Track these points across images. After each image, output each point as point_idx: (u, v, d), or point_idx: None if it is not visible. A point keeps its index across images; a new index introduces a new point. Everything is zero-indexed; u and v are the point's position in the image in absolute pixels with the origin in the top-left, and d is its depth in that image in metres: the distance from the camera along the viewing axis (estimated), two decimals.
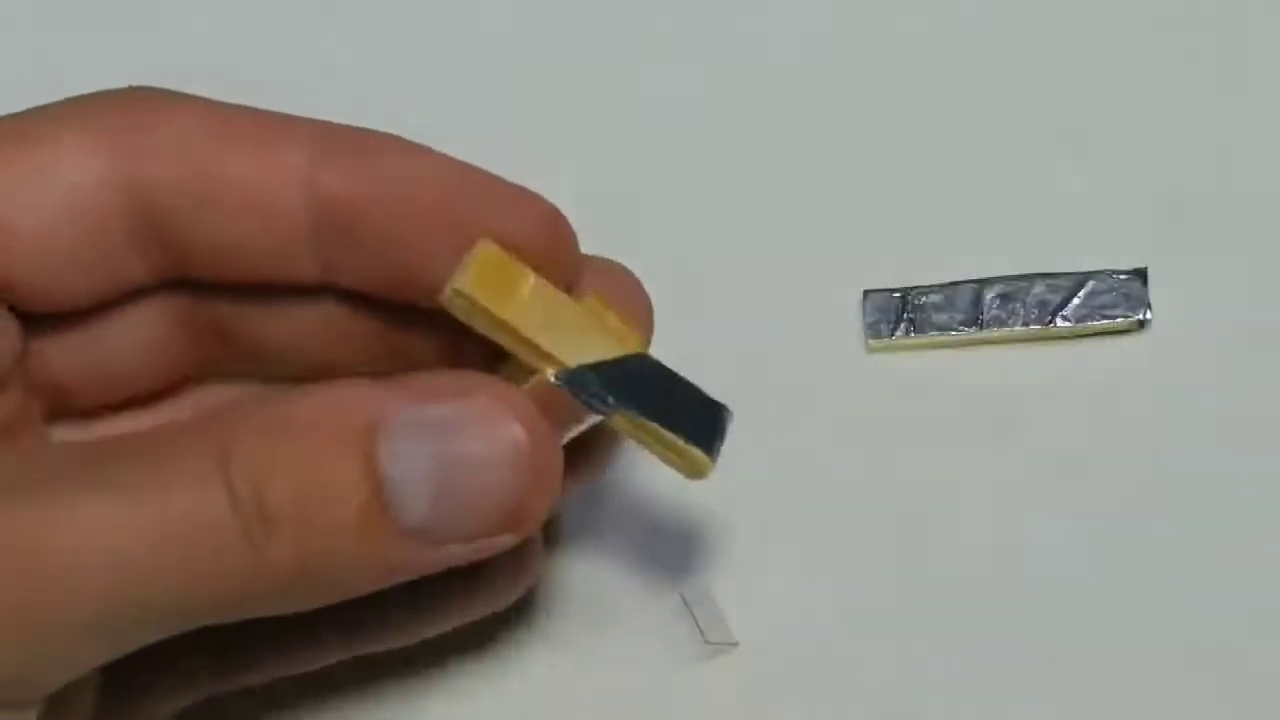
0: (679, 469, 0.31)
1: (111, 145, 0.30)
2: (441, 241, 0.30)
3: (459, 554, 0.29)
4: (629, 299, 0.32)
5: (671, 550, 0.37)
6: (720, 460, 0.31)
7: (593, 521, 0.38)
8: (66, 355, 0.32)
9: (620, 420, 0.30)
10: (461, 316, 0.30)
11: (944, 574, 0.37)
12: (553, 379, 0.30)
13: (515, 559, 0.33)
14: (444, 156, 0.31)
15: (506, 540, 0.29)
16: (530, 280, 0.30)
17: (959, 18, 0.42)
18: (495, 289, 0.30)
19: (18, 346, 0.31)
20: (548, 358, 0.30)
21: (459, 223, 0.30)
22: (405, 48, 0.42)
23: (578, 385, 0.30)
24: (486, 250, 0.30)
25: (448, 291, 0.30)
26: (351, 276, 0.31)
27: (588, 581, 0.37)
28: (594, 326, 0.31)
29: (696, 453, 0.31)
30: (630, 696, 0.36)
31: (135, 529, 0.27)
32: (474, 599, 0.34)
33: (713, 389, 0.32)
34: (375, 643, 0.34)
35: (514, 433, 0.29)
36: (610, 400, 0.30)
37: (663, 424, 0.30)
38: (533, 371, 0.30)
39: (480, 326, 0.30)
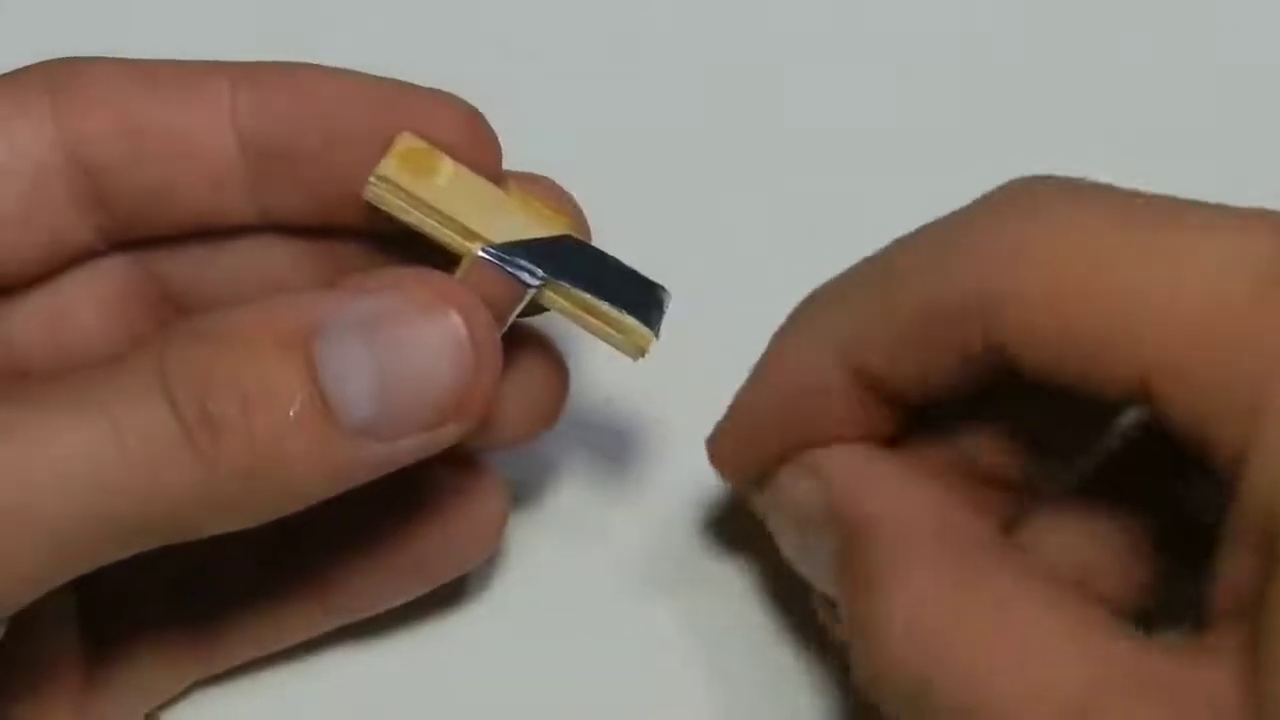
0: (620, 347, 0.31)
1: (39, 106, 0.31)
2: (371, 156, 0.31)
3: (407, 449, 0.29)
4: (553, 193, 0.32)
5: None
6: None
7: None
8: (22, 332, 0.32)
9: (554, 296, 0.31)
10: (384, 206, 0.30)
11: None
12: (481, 254, 0.30)
13: (480, 511, 0.34)
14: (361, 74, 0.31)
15: (453, 431, 0.29)
16: (450, 166, 0.31)
17: (965, 23, 0.42)
18: (416, 174, 0.30)
19: None
20: (475, 236, 0.30)
21: (384, 135, 0.31)
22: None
23: (508, 258, 0.30)
24: (406, 142, 0.31)
25: (370, 181, 0.30)
26: (288, 209, 0.32)
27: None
28: (520, 210, 0.31)
29: (636, 325, 0.31)
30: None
31: (78, 442, 0.27)
32: (447, 548, 0.34)
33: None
34: (349, 606, 0.34)
35: (449, 319, 0.29)
36: (542, 272, 0.30)
37: (599, 298, 0.31)
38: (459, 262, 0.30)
39: (404, 215, 0.30)
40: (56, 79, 0.31)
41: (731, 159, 0.41)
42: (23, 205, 0.31)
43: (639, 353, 0.31)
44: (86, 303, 0.32)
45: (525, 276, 0.30)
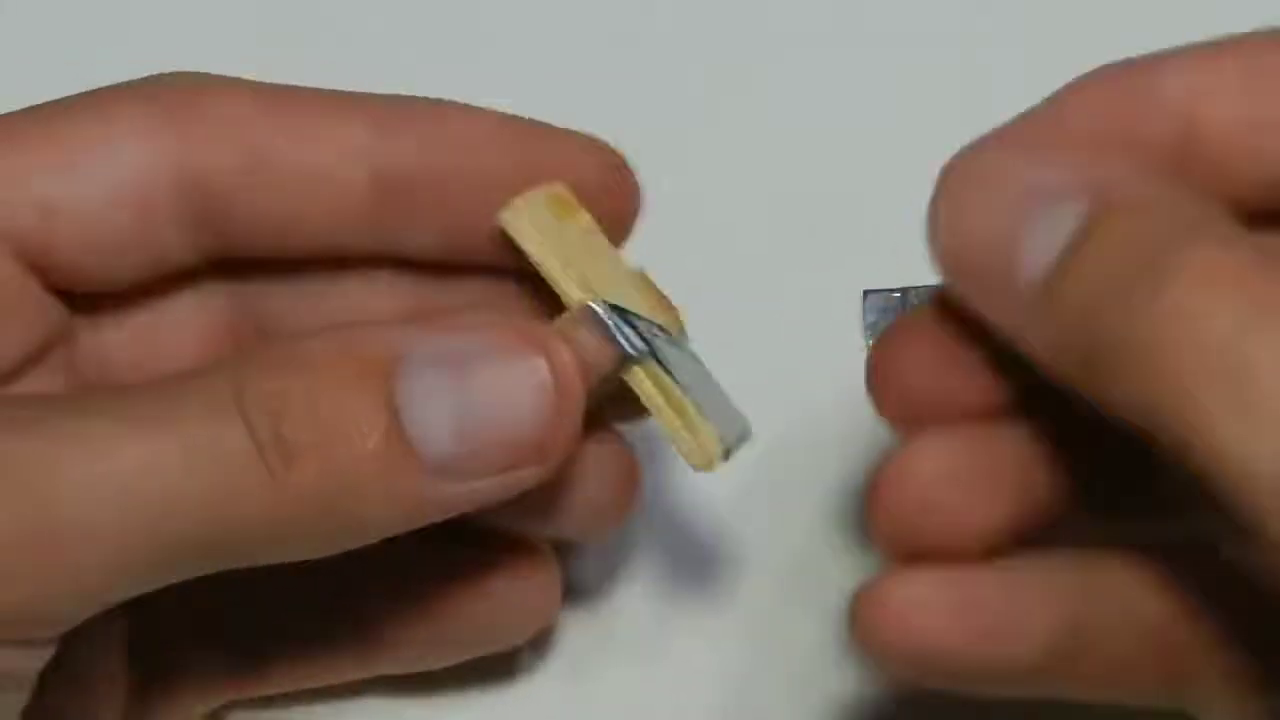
0: (687, 451, 0.30)
1: (162, 128, 0.30)
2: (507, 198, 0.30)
3: (481, 491, 0.28)
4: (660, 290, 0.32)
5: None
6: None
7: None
8: (117, 349, 0.32)
9: (643, 377, 0.30)
10: (513, 234, 0.30)
11: None
12: (593, 304, 0.30)
13: (537, 586, 0.33)
14: (503, 114, 0.31)
15: (529, 475, 0.29)
16: (588, 222, 0.31)
17: (964, 22, 0.42)
18: (554, 214, 0.30)
19: (61, 327, 0.31)
20: (590, 290, 0.30)
21: (527, 176, 0.30)
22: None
23: (616, 320, 0.30)
24: (555, 188, 0.30)
25: (509, 206, 0.30)
26: (410, 245, 0.31)
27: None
28: (636, 286, 0.31)
29: (714, 434, 0.30)
30: None
31: (148, 459, 0.27)
32: (495, 626, 0.33)
33: None
34: (392, 662, 0.34)
35: (534, 361, 0.28)
36: (644, 347, 0.30)
37: (687, 395, 0.30)
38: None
39: (530, 246, 0.30)
40: (181, 98, 0.30)
41: (731, 158, 0.41)
42: (130, 223, 0.30)
43: (706, 463, 0.30)
44: (184, 327, 0.32)
45: (625, 344, 0.30)
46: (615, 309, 0.30)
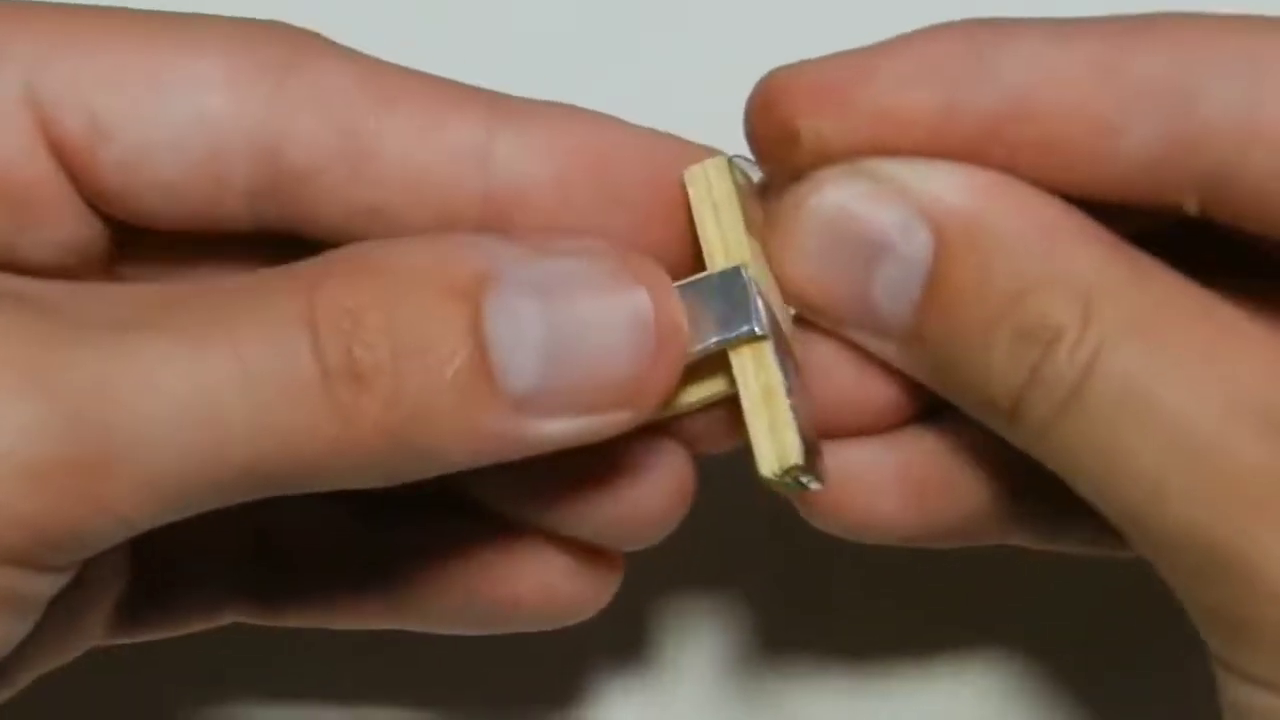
0: (761, 452, 0.27)
1: (253, 82, 0.27)
2: (636, 214, 0.28)
3: (565, 431, 0.26)
4: None
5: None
6: None
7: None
8: (154, 276, 0.29)
9: (748, 359, 0.27)
10: (694, 189, 0.28)
11: (949, 578, 0.36)
12: (742, 270, 0.27)
13: (596, 567, 0.30)
14: (633, 126, 0.29)
15: (620, 419, 0.26)
16: (757, 212, 0.29)
17: None
18: (736, 194, 0.28)
19: (100, 249, 0.28)
20: (736, 257, 0.28)
21: (655, 191, 0.28)
22: None
23: (751, 293, 0.27)
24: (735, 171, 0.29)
25: (697, 166, 0.28)
26: None
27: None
28: (780, 297, 0.29)
29: (796, 446, 0.27)
30: None
31: (204, 381, 0.25)
32: (542, 602, 0.30)
33: None
34: (421, 618, 0.31)
35: (637, 295, 0.26)
36: (768, 327, 0.27)
37: (789, 399, 0.27)
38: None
39: (702, 209, 0.28)
40: (281, 56, 0.27)
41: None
42: (189, 171, 0.27)
43: (777, 468, 0.27)
44: (219, 260, 0.29)
45: (755, 314, 0.27)
46: (756, 284, 0.28)
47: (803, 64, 0.28)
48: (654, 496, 0.29)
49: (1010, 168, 0.27)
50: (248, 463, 0.25)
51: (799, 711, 0.36)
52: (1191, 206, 0.27)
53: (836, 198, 0.28)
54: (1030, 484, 0.29)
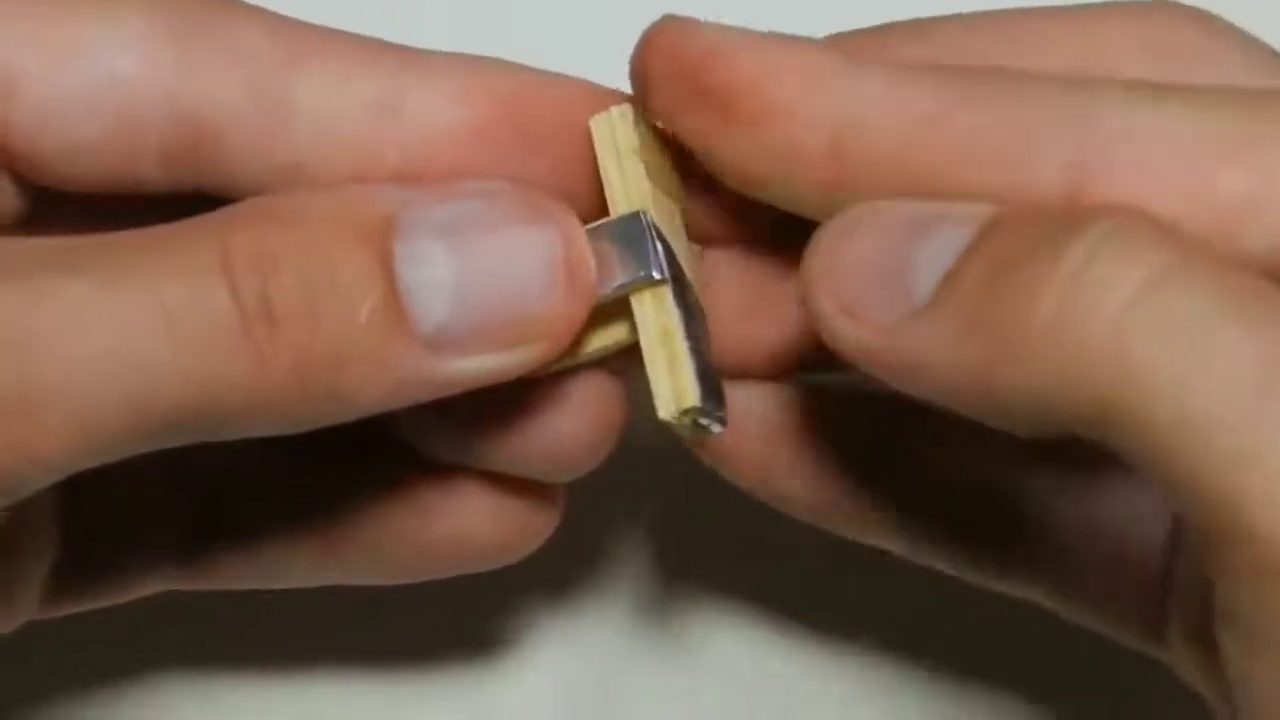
0: (662, 395, 0.27)
1: (167, 43, 0.28)
2: (552, 156, 0.28)
3: (477, 369, 0.27)
4: None
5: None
6: None
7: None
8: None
9: (648, 302, 0.28)
10: (598, 134, 0.28)
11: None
12: (640, 212, 0.28)
13: (533, 501, 0.30)
14: (541, 71, 0.29)
15: (532, 355, 0.27)
16: (669, 166, 0.29)
17: None
18: (642, 140, 0.28)
19: (15, 214, 0.29)
20: (638, 203, 0.28)
21: (572, 139, 0.28)
22: None
23: (655, 240, 0.28)
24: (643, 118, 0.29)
25: (603, 115, 0.28)
26: None
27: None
28: (689, 246, 0.29)
29: (693, 388, 0.27)
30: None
31: (125, 323, 0.25)
32: (481, 541, 0.31)
33: None
34: (361, 569, 0.31)
35: (547, 232, 0.27)
36: (666, 272, 0.28)
37: (686, 343, 0.28)
38: None
39: (605, 155, 0.28)
40: (194, 16, 0.28)
41: None
42: (103, 131, 0.28)
43: (676, 410, 0.27)
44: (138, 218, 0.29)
45: (653, 259, 0.28)
46: (657, 228, 0.28)
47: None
48: (579, 424, 0.29)
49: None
50: (171, 404, 0.25)
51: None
52: None
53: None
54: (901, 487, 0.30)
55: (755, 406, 0.30)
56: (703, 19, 0.28)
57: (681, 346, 0.27)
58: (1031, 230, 0.25)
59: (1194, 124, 0.26)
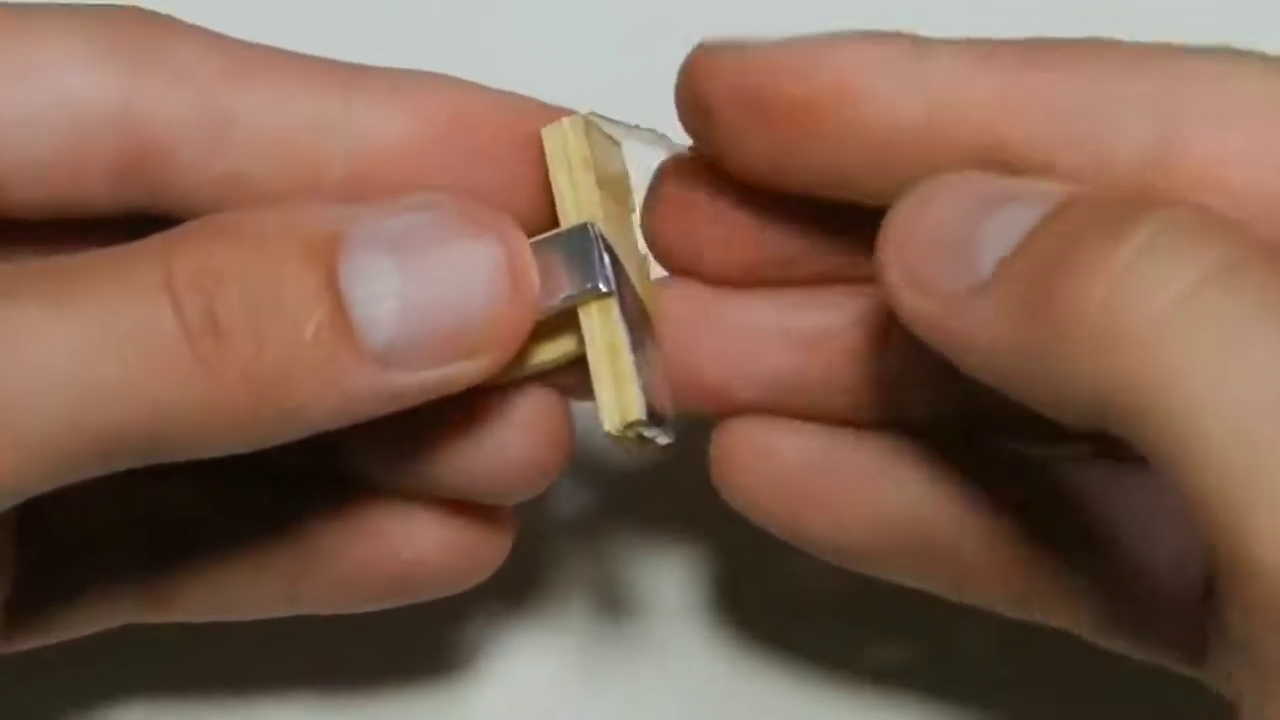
0: (606, 407, 0.28)
1: (112, 62, 0.28)
2: (499, 170, 0.29)
3: (424, 383, 0.27)
4: None
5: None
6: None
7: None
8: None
9: (595, 316, 0.28)
10: (550, 146, 0.29)
11: None
12: (590, 228, 0.28)
13: (485, 527, 0.31)
14: (495, 91, 0.29)
15: (478, 366, 0.27)
16: (623, 179, 0.29)
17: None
18: (594, 154, 0.29)
19: None
20: (594, 218, 0.28)
21: (519, 153, 0.29)
22: None
23: (602, 252, 0.28)
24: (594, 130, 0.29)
25: (555, 125, 0.29)
26: None
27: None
28: (638, 260, 0.29)
29: (638, 402, 0.28)
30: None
31: (71, 344, 0.25)
32: (434, 567, 0.31)
33: None
34: (318, 599, 0.31)
35: (488, 245, 0.27)
36: (613, 284, 0.28)
37: (633, 355, 0.28)
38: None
39: (556, 167, 0.29)
40: (139, 35, 0.28)
41: None
42: (51, 151, 0.28)
43: (620, 422, 0.28)
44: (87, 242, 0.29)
45: (599, 270, 0.28)
46: (606, 244, 0.28)
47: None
48: (526, 440, 0.29)
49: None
50: (120, 426, 0.25)
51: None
52: None
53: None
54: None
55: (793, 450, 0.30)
56: (739, 37, 0.28)
57: (626, 359, 0.28)
58: (1097, 215, 0.25)
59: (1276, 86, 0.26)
